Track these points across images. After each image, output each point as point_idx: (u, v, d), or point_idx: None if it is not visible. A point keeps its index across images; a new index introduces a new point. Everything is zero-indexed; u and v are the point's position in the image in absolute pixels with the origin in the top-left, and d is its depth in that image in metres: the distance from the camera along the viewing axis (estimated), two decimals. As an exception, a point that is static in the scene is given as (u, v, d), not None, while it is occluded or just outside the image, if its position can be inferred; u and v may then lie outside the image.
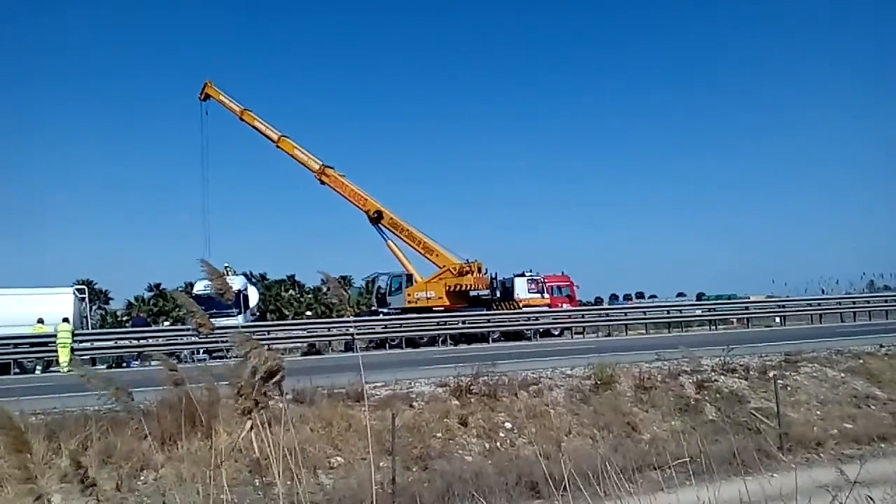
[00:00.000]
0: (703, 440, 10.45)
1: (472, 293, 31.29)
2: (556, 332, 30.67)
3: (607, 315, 32.99)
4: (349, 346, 28.18)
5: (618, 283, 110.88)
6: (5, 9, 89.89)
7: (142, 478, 9.65)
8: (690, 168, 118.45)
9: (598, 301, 49.96)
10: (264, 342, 26.20)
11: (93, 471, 9.40)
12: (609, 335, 30.21)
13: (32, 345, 23.35)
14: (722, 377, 14.95)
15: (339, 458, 10.69)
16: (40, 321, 23.84)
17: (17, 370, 22.83)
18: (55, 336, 22.57)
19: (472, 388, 13.04)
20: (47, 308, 24.61)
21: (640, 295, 60.93)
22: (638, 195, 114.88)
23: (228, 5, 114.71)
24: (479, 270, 31.74)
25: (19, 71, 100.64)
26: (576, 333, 30.25)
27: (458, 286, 31.04)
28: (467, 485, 9.93)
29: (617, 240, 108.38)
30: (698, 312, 34.14)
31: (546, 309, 31.82)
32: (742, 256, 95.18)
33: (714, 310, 33.30)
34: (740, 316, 32.95)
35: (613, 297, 57.05)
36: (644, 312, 33.27)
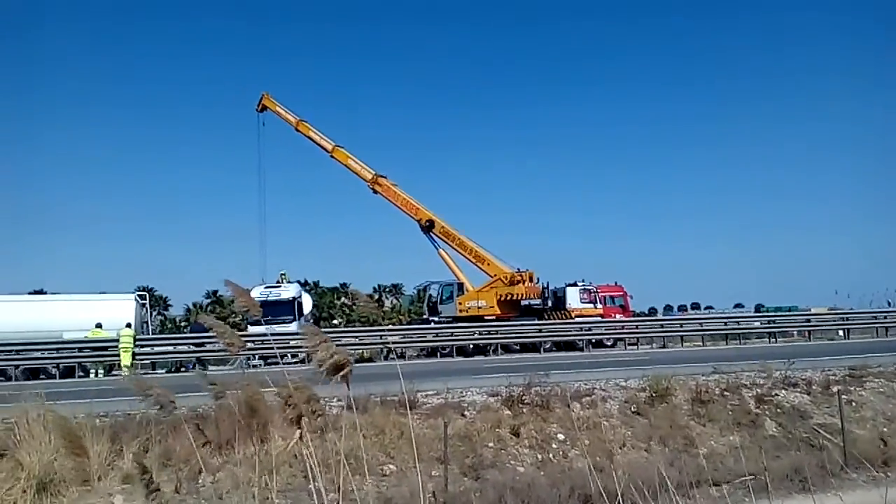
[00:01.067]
0: (763, 456, 10.18)
1: (524, 302, 31.13)
2: (609, 343, 30.25)
3: (662, 326, 32.38)
4: (402, 354, 28.34)
5: (672, 293, 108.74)
6: (70, 19, 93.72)
7: (200, 481, 9.86)
8: (750, 178, 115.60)
9: (653, 312, 49.09)
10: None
11: (152, 473, 9.67)
12: (664, 346, 29.64)
13: (95, 349, 24.16)
14: (783, 391, 14.51)
15: (391, 466, 10.73)
16: (98, 326, 24.63)
17: (80, 373, 23.65)
18: (117, 340, 23.32)
19: (524, 398, 12.95)
20: (110, 314, 25.47)
21: (695, 306, 59.58)
22: (695, 205, 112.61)
23: (283, 19, 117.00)
24: (531, 280, 31.54)
25: (73, 80, 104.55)
26: (629, 344, 29.75)
27: (510, 295, 30.90)
28: (519, 496, 9.87)
29: (672, 250, 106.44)
30: (757, 324, 33.23)
31: (599, 319, 31.42)
32: (803, 268, 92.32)
33: (774, 322, 32.36)
34: (801, 328, 31.92)
35: (668, 308, 55.88)
36: (700, 324, 32.53)
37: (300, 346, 22.12)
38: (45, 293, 39.20)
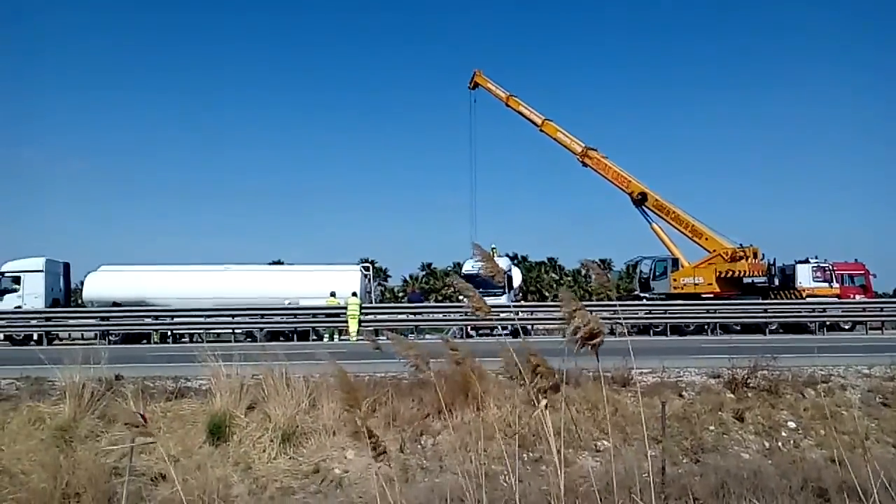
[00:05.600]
0: None
1: (746, 280, 29.17)
2: (847, 327, 27.42)
3: (912, 309, 28.69)
4: (612, 331, 27.87)
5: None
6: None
7: (421, 442, 10.43)
8: None
9: (900, 293, 43.54)
10: (527, 322, 27.00)
11: (379, 432, 10.38)
12: (915, 332, 26.28)
13: (327, 316, 26.45)
14: None
15: (605, 442, 10.60)
16: (332, 294, 26.83)
17: (314, 337, 26.01)
18: (345, 308, 25.31)
19: (748, 381, 12.14)
20: (338, 284, 27.68)
21: (955, 287, 51.92)
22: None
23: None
24: (755, 256, 29.44)
25: (304, 73, 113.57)
26: (872, 329, 26.70)
27: (730, 272, 29.08)
28: (744, 483, 9.30)
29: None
30: None
31: (835, 300, 28.59)
32: None
33: None
34: None
35: (920, 289, 49.25)
36: (963, 307, 28.35)
37: (511, 319, 22.62)
38: (283, 263, 43.64)
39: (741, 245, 29.65)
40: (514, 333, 22.03)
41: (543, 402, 2.62)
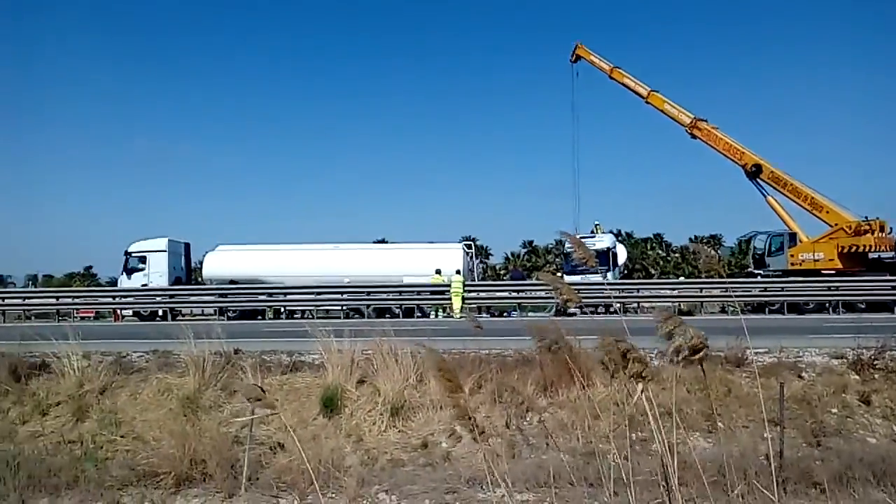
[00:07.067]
0: None
1: (872, 255, 27.34)
2: None
3: None
4: (723, 309, 26.93)
5: None
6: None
7: (527, 419, 10.44)
8: None
9: None
10: (632, 300, 26.41)
11: (485, 408, 10.46)
12: None
13: (432, 293, 26.81)
14: None
15: (718, 423, 10.26)
16: (438, 272, 27.16)
17: (418, 314, 26.46)
18: (449, 286, 25.57)
19: (876, 362, 11.42)
20: (441, 262, 28.00)
21: None
22: None
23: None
24: (882, 230, 27.45)
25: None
26: None
27: (854, 247, 27.27)
28: (870, 469, 8.80)
29: None
30: None
31: (977, 276, 26.32)
32: None
33: None
34: None
35: None
36: None
37: (613, 297, 22.15)
38: (386, 242, 44.51)
39: (866, 218, 27.73)
40: (618, 311, 21.59)
41: (640, 386, 2.53)
